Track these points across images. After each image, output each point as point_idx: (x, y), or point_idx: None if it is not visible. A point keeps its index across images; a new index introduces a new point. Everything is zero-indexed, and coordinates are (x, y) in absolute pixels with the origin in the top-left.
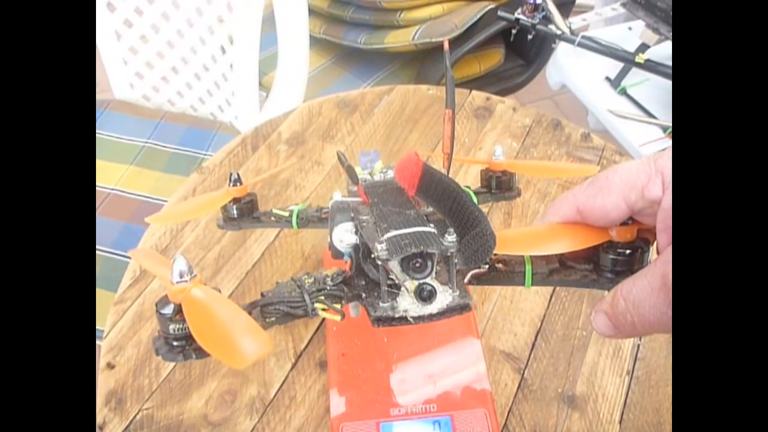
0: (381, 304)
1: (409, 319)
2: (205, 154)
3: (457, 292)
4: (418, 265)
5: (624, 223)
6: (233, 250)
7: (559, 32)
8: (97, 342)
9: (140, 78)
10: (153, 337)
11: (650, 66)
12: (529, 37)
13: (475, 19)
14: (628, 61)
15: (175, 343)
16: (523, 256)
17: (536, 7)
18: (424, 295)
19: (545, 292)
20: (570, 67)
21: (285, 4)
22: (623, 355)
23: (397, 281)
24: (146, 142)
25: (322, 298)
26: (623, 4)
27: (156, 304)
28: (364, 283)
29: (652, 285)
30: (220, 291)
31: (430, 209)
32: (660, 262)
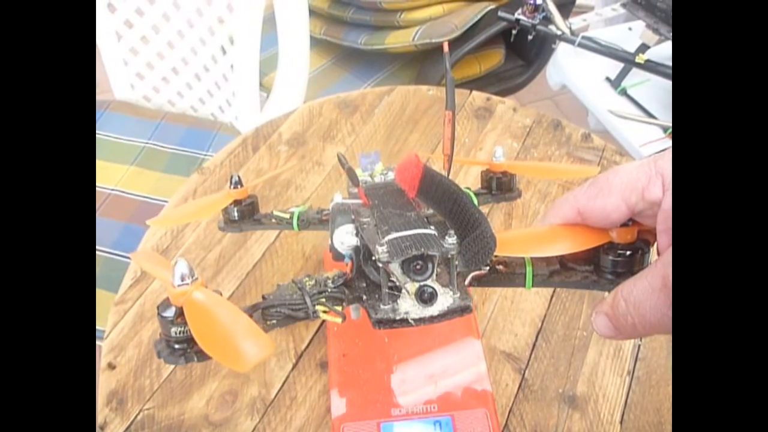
0: (382, 307)
1: (410, 321)
2: (205, 155)
3: (458, 294)
4: (418, 267)
5: (624, 225)
6: (234, 251)
7: (559, 33)
8: (98, 342)
9: (141, 78)
10: (154, 339)
11: (650, 66)
12: (530, 37)
13: (476, 19)
14: (628, 61)
15: (176, 346)
16: (523, 258)
17: (536, 8)
18: (425, 297)
19: (546, 292)
20: (570, 68)
21: (285, 5)
22: (624, 356)
23: (398, 283)
24: (147, 143)
25: (323, 300)
26: (623, 5)
27: (157, 307)
28: (365, 285)
29: (652, 286)
30: (221, 293)
31: (431, 211)
32: (660, 264)
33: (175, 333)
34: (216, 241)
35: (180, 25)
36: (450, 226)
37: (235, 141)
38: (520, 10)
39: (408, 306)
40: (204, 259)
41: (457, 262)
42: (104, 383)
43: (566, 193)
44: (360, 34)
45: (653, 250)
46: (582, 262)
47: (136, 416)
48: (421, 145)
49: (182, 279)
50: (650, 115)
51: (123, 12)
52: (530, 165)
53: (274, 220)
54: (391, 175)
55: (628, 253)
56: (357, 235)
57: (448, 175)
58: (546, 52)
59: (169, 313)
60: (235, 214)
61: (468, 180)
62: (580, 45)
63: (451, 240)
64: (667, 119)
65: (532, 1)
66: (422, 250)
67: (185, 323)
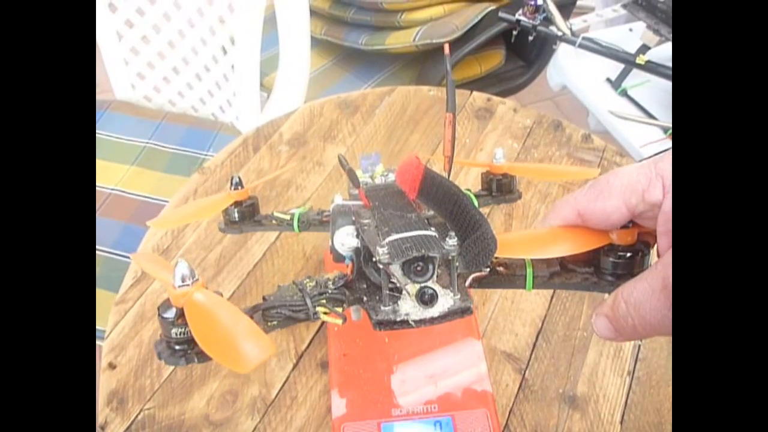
0: (382, 308)
1: (410, 322)
2: (206, 155)
3: (459, 296)
4: (419, 268)
5: (624, 227)
6: (234, 251)
7: (560, 33)
8: (99, 342)
9: (141, 78)
10: (155, 340)
11: (651, 67)
12: (530, 38)
13: (476, 20)
14: (628, 62)
15: (177, 347)
16: (524, 260)
17: (537, 9)
18: (426, 298)
19: (546, 293)
20: (571, 69)
21: (286, 5)
22: (624, 356)
23: (398, 285)
24: (147, 143)
25: (324, 301)
26: (624, 6)
27: (158, 308)
28: (365, 286)
29: (652, 287)
30: (221, 294)
31: (431, 212)
32: (660, 265)
33: (176, 334)
34: (217, 241)
35: (181, 24)
36: (450, 228)
37: (236, 141)
38: (520, 11)
39: (408, 307)
40: (205, 259)
41: (457, 264)
42: (105, 383)
43: (566, 195)
44: (361, 34)
45: (653, 251)
46: (582, 263)
47: (136, 416)
48: (422, 145)
49: (183, 280)
50: (650, 116)
51: (124, 12)
52: (530, 167)
53: (274, 222)
54: (391, 177)
55: (629, 254)
56: (357, 236)
57: (449, 176)
58: (546, 53)
59: (170, 314)
60: (236, 215)
61: (468, 181)
62: (581, 46)
63: (451, 241)
64: (667, 120)
65: (532, 2)
66: (423, 251)
67: (186, 324)
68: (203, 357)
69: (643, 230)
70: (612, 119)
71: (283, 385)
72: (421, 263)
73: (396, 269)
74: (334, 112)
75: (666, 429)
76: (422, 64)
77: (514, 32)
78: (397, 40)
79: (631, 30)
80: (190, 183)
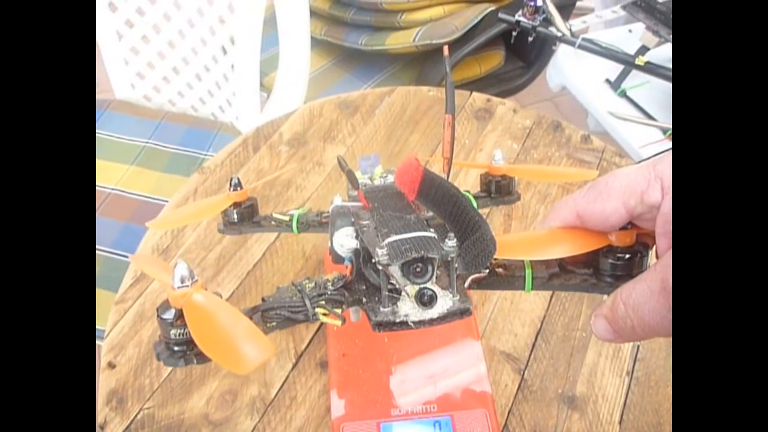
0: (382, 309)
1: (409, 324)
2: (205, 155)
3: (458, 297)
4: (418, 269)
5: (623, 228)
6: (234, 251)
7: (559, 34)
8: (98, 342)
9: (141, 78)
10: (154, 341)
11: (650, 68)
12: (530, 39)
13: (476, 21)
14: (628, 63)
15: (176, 348)
16: (523, 261)
17: (537, 10)
18: (425, 299)
19: (545, 293)
20: (570, 69)
21: (286, 6)
22: (623, 356)
23: (397, 286)
24: (147, 142)
25: (323, 302)
26: (623, 7)
27: (157, 309)
28: (364, 287)
29: (651, 289)
30: (221, 296)
31: (430, 214)
32: (659, 266)
33: (175, 335)
34: (216, 241)
35: (181, 24)
36: (450, 229)
37: (236, 141)
38: (520, 12)
39: (408, 308)
40: (204, 259)
41: (456, 265)
42: (104, 382)
43: (565, 197)
44: (361, 34)
45: (652, 253)
46: (581, 265)
47: (136, 415)
48: (422, 145)
49: (182, 281)
50: (650, 117)
51: (124, 11)
52: (529, 168)
53: (273, 223)
54: (390, 178)
55: (627, 256)
56: (357, 237)
57: (448, 178)
58: (546, 54)
59: (169, 315)
60: (235, 216)
61: (468, 182)
62: (580, 47)
63: (450, 243)
64: (666, 121)
65: (532, 3)
66: (422, 252)
67: (185, 325)
68: (202, 358)
69: (641, 232)
70: (611, 120)
71: (283, 384)
72: (420, 264)
73: (395, 270)
74: (333, 112)
75: (665, 429)
76: (422, 64)
77: (514, 33)
78: (397, 41)
79: (630, 31)
80: (190, 183)
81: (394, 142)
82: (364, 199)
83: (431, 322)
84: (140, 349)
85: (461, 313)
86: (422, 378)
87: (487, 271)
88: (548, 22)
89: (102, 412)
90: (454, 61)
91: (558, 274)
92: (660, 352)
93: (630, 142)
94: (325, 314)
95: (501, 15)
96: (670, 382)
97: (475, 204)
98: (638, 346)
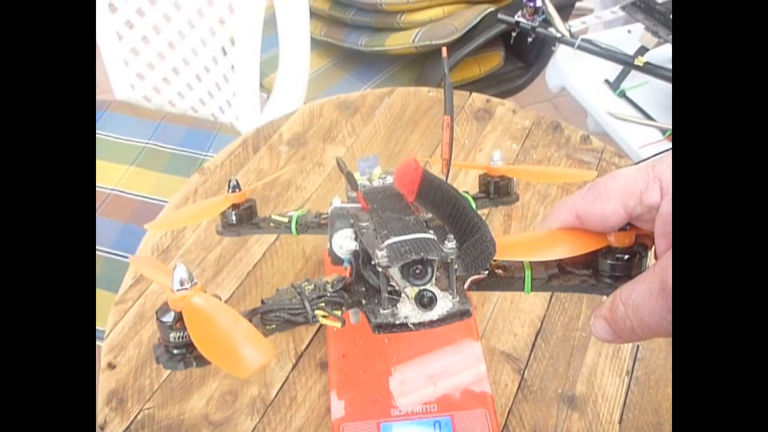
0: (381, 311)
1: (409, 325)
2: (205, 155)
3: (458, 298)
4: (418, 271)
5: (622, 229)
6: (234, 251)
7: (558, 35)
8: (98, 342)
9: (141, 79)
10: (153, 344)
11: (649, 69)
12: (529, 39)
13: (475, 21)
14: (627, 63)
15: (175, 351)
16: (522, 262)
17: (536, 10)
18: (425, 301)
19: (545, 293)
20: (569, 70)
21: (286, 7)
22: (623, 356)
23: (397, 288)
24: (147, 143)
25: (323, 304)
26: (623, 8)
27: (156, 312)
28: (364, 289)
29: (650, 290)
30: (220, 298)
31: (430, 215)
32: (659, 267)
33: (174, 338)
34: (216, 242)
35: (181, 25)
36: (449, 231)
37: (236, 141)
38: (519, 13)
39: (407, 310)
40: (204, 260)
41: (456, 267)
42: (104, 383)
43: (564, 198)
44: (360, 35)
45: (651, 254)
46: (580, 266)
47: (136, 416)
48: (421, 146)
49: (181, 284)
50: (649, 117)
51: (124, 12)
52: (528, 169)
53: (272, 224)
54: (389, 179)
55: (626, 257)
56: (356, 239)
57: (447, 179)
58: (545, 55)
59: (168, 317)
60: (234, 218)
61: (467, 183)
62: (580, 47)
63: (450, 244)
64: (666, 121)
65: (531, 4)
66: (422, 254)
67: (184, 328)
68: (202, 361)
69: (640, 232)
70: (611, 120)
71: (283, 385)
72: (420, 266)
73: (395, 272)
74: (333, 112)
75: (664, 429)
76: (421, 65)
77: (513, 34)
78: (397, 42)
79: (629, 32)
80: (190, 183)
81: (394, 143)
82: (363, 200)
83: (431, 323)
84: (140, 349)
85: (461, 314)
86: (422, 378)
87: (487, 272)
88: (547, 22)
89: (102, 412)
90: (454, 62)
91: (557, 275)
92: (660, 351)
93: (629, 142)
94: (324, 316)
95: (500, 16)
96: (670, 382)
97: (473, 205)
98: (638, 346)
